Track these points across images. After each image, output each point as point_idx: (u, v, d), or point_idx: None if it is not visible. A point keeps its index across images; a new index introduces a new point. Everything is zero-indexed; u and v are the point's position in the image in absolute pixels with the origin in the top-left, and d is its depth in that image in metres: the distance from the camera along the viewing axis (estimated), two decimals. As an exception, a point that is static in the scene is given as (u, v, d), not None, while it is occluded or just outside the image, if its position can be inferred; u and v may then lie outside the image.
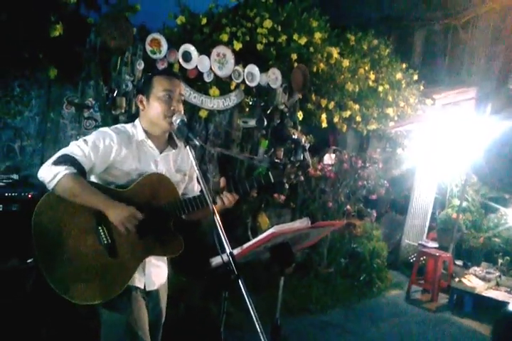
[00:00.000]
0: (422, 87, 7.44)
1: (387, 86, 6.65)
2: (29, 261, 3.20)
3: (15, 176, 3.57)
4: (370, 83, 6.39)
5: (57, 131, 3.79)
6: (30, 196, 3.32)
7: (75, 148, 1.97)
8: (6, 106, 3.57)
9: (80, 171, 1.94)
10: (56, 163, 1.91)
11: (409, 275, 6.05)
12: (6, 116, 3.58)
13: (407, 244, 7.07)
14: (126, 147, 2.07)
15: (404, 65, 7.15)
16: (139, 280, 2.11)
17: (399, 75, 6.93)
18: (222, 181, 2.11)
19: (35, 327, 3.11)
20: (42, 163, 3.82)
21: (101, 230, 1.98)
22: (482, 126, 6.08)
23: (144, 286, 2.14)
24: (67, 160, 1.92)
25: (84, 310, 2.94)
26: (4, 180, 3.42)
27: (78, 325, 3.15)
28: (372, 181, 5.93)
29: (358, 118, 6.32)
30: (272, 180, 2.14)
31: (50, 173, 1.90)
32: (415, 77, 7.35)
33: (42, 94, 3.69)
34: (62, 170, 1.89)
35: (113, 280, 1.99)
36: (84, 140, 2.01)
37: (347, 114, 6.08)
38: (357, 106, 6.19)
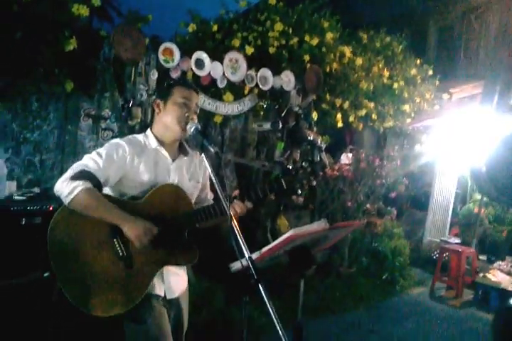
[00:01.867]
0: (437, 82, 7.38)
1: (402, 82, 6.62)
2: (45, 274, 3.25)
3: (36, 189, 3.63)
4: (385, 80, 6.38)
5: (76, 144, 3.85)
6: (51, 208, 3.35)
7: (90, 161, 1.98)
8: (25, 121, 3.65)
9: (96, 185, 1.95)
10: (73, 177, 1.91)
11: (433, 272, 6.00)
12: (25, 130, 3.66)
13: (429, 240, 7.01)
14: (138, 157, 2.09)
15: (418, 61, 7.11)
16: (159, 289, 2.13)
17: (413, 71, 6.89)
18: (236, 192, 2.15)
19: (63, 337, 3.17)
20: (62, 175, 3.91)
21: (116, 242, 2.00)
22: (497, 120, 6.00)
23: (165, 295, 2.16)
24: (84, 174, 1.93)
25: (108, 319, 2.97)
26: (26, 194, 3.48)
27: (104, 333, 3.20)
28: (391, 179, 5.90)
29: (374, 117, 6.31)
30: (284, 187, 2.17)
31: (67, 188, 1.90)
32: (430, 72, 7.30)
33: (59, 107, 3.76)
34: (79, 185, 1.89)
35: (130, 290, 2.01)
36: (98, 152, 2.03)
37: (362, 112, 6.07)
38: (372, 104, 6.18)
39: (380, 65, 6.32)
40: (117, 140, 2.13)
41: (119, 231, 1.97)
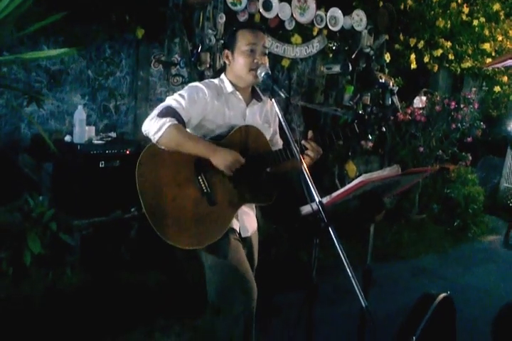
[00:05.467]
0: (523, 17, 6.83)
1: (482, 19, 6.19)
2: (132, 209, 3.47)
3: (112, 134, 3.80)
4: (464, 17, 6.01)
5: (148, 89, 3.95)
6: (128, 152, 3.54)
7: (173, 102, 2.03)
8: (99, 68, 3.77)
9: (181, 123, 2.01)
10: (160, 115, 1.97)
11: (508, 219, 5.80)
12: (100, 77, 3.79)
13: (505, 187, 6.73)
14: (217, 100, 2.12)
15: (502, -6, 6.58)
16: (235, 224, 2.21)
17: (496, 6, 6.40)
18: (310, 133, 2.14)
19: (144, 270, 3.41)
20: (135, 120, 4.07)
21: (200, 179, 2.07)
22: None
23: (239, 232, 2.24)
24: (170, 112, 1.99)
25: (181, 253, 3.12)
26: (104, 139, 3.65)
27: (179, 266, 3.41)
28: (467, 123, 5.63)
29: (451, 57, 6.02)
30: (357, 131, 2.13)
31: (155, 125, 1.96)
32: (516, 6, 6.75)
33: (131, 54, 3.84)
34: (167, 122, 1.95)
35: (213, 226, 2.10)
36: (180, 94, 2.07)
37: (438, 52, 5.80)
38: (449, 44, 5.88)
39: (459, 1, 5.94)
40: (197, 83, 2.17)
41: (203, 168, 2.04)
